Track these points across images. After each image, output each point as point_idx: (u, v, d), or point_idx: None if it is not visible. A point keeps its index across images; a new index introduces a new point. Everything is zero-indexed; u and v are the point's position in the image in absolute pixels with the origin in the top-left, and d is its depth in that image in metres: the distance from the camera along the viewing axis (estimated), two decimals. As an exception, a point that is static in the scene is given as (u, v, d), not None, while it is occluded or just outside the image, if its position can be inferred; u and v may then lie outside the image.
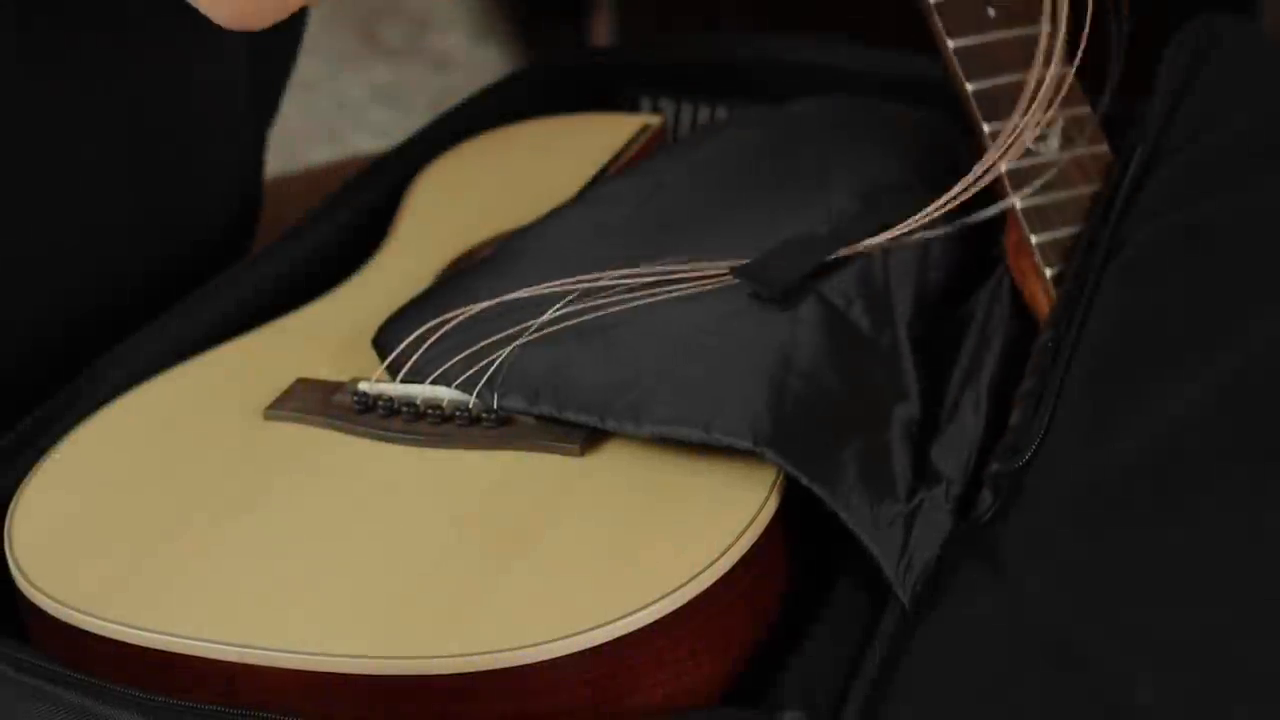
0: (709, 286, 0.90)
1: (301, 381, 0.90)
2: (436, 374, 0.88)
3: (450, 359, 0.87)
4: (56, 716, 0.76)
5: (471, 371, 0.87)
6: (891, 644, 0.78)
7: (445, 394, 0.87)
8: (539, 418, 0.86)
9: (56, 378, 0.92)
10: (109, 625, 0.77)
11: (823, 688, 0.76)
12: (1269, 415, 0.83)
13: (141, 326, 0.96)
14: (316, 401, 0.88)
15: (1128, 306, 0.88)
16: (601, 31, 1.85)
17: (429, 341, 0.88)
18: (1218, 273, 0.89)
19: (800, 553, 0.83)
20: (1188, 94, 0.98)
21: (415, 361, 0.88)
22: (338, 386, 0.89)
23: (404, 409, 0.87)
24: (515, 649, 0.74)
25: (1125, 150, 0.95)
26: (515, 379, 0.86)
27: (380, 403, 0.87)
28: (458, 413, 0.86)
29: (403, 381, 0.88)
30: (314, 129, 2.15)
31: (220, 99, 1.04)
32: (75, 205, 0.96)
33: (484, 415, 0.86)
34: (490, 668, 0.74)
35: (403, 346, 0.89)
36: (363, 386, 0.88)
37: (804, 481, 0.81)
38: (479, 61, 2.32)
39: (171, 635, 0.77)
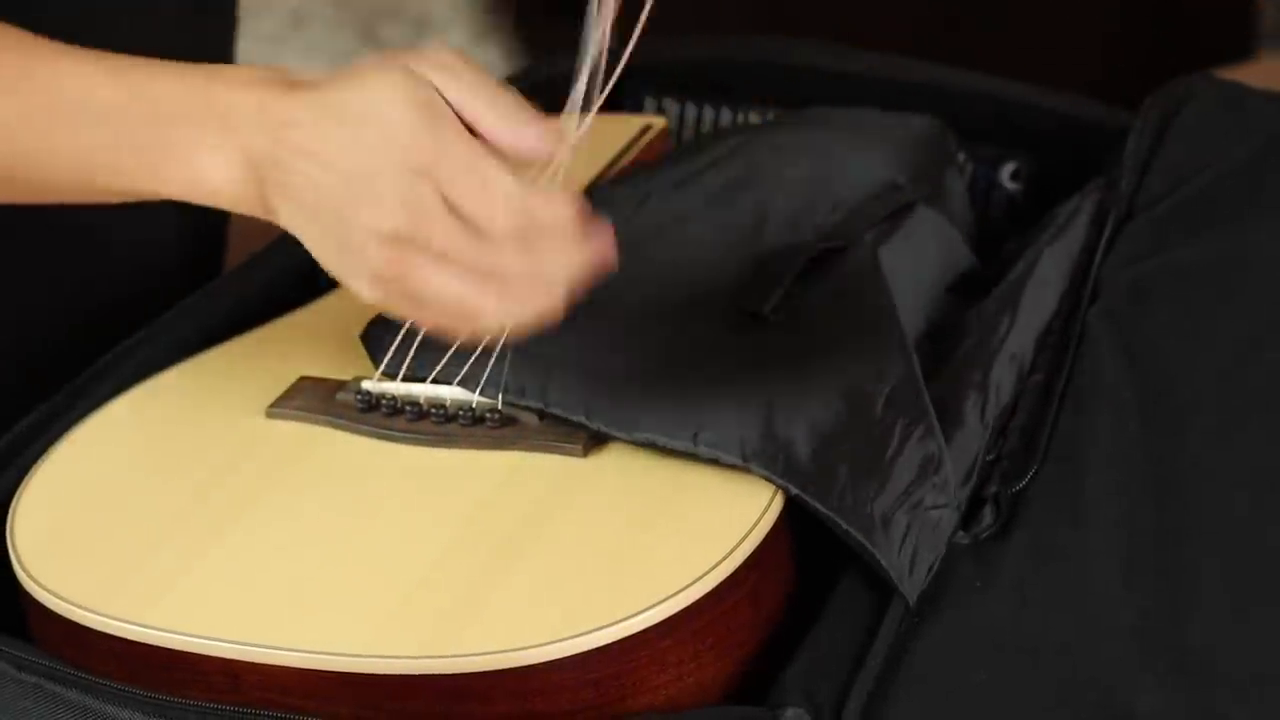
0: (699, 300, 0.91)
1: (304, 379, 0.90)
2: (435, 372, 0.87)
3: (443, 356, 0.87)
4: (58, 715, 0.76)
5: (468, 368, 0.87)
6: (894, 643, 0.78)
7: (448, 393, 0.87)
8: (541, 416, 0.86)
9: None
10: (112, 622, 0.77)
11: (825, 686, 0.76)
12: (1268, 445, 0.87)
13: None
14: (319, 400, 0.88)
15: (1118, 342, 0.91)
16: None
17: (418, 339, 0.88)
18: (1203, 308, 0.93)
19: (804, 551, 0.83)
20: (1159, 149, 1.02)
21: (408, 361, 0.88)
22: (341, 385, 0.89)
23: (407, 408, 0.86)
24: (518, 649, 0.74)
25: (1100, 210, 0.99)
26: (512, 374, 0.86)
27: (384, 401, 0.87)
28: (461, 412, 0.86)
29: (402, 380, 0.88)
30: (313, 128, 2.14)
31: None
32: None
33: (488, 415, 0.86)
34: (493, 668, 0.74)
35: (397, 343, 0.88)
36: (366, 385, 0.88)
37: (793, 491, 0.81)
38: (479, 61, 2.32)
39: (174, 632, 0.77)
